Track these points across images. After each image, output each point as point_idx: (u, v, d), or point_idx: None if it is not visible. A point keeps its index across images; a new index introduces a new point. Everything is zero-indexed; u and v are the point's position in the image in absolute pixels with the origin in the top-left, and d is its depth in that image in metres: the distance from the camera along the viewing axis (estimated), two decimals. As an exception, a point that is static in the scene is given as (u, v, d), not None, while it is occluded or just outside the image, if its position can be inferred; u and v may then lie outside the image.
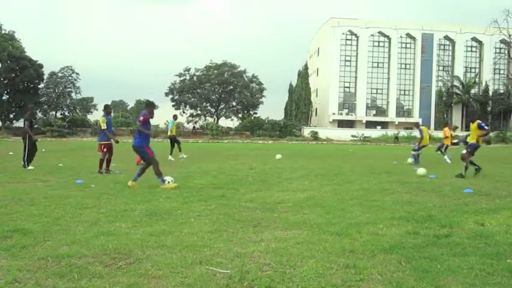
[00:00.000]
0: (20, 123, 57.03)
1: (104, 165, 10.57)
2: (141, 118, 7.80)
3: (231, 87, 64.77)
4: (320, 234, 4.30)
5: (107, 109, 11.14)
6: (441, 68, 66.91)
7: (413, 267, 3.28)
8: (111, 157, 10.77)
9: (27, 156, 11.30)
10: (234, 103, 66.89)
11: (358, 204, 6.09)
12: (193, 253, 3.62)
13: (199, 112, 66.62)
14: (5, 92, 54.29)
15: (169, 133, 16.17)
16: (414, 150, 14.85)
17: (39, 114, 55.75)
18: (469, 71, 66.38)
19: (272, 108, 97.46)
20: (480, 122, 10.60)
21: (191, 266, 3.30)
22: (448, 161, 14.58)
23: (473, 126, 10.68)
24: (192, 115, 66.78)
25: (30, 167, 11.11)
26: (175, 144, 15.89)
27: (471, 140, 10.64)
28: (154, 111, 8.27)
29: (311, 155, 20.86)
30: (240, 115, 65.00)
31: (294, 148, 30.65)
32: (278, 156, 16.70)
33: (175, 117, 16.91)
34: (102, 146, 10.58)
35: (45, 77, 58.44)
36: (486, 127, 10.68)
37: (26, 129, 11.37)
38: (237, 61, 74.00)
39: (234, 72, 64.36)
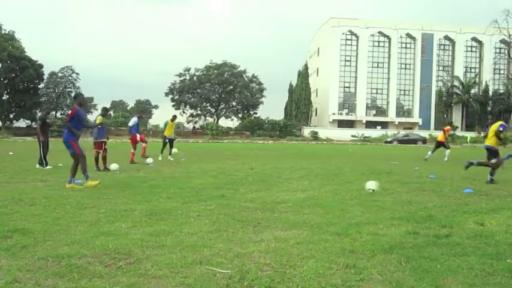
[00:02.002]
0: (20, 123, 57.18)
1: (101, 163, 11.11)
2: (69, 112, 7.63)
3: (231, 87, 64.82)
4: (320, 234, 4.30)
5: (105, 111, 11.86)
6: (441, 68, 66.94)
7: (413, 267, 3.27)
8: (105, 154, 11.33)
9: (43, 155, 11.53)
10: (234, 103, 66.97)
11: (358, 204, 6.08)
12: (193, 253, 3.61)
13: (199, 112, 66.71)
14: (5, 92, 54.30)
15: (164, 133, 15.22)
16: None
17: (39, 114, 55.78)
18: (469, 71, 66.41)
19: (272, 108, 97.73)
20: None
21: (191, 266, 3.30)
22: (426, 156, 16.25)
23: None
24: (192, 115, 66.89)
25: (48, 167, 11.30)
26: (166, 145, 15.02)
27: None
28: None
29: (311, 155, 20.85)
30: (240, 115, 65.09)
31: (294, 148, 30.64)
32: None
33: (173, 117, 15.73)
34: (98, 144, 11.22)
35: (45, 77, 58.51)
36: None
37: (37, 129, 11.86)
38: (237, 61, 74.24)
39: (234, 72, 64.41)
